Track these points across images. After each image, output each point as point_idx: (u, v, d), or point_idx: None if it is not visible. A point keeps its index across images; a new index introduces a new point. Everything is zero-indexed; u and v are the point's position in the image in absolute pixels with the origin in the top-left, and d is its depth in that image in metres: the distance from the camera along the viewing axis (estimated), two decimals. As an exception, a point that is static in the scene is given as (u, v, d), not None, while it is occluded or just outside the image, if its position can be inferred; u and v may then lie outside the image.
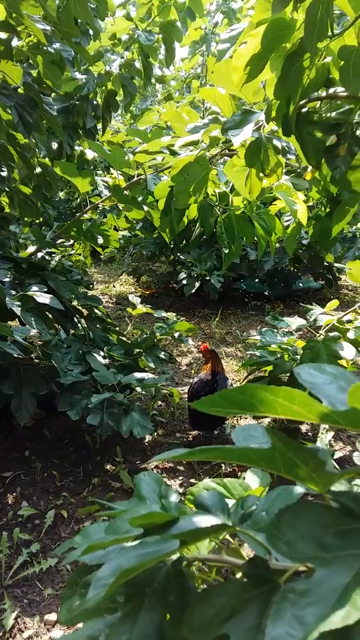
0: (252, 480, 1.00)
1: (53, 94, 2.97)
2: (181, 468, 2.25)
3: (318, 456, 0.52)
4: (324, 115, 1.40)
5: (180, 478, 2.18)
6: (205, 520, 0.59)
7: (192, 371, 3.37)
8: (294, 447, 0.52)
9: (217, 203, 2.02)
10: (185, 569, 0.63)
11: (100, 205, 2.57)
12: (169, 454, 0.56)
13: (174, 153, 1.98)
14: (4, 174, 2.37)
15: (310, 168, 1.53)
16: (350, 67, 1.21)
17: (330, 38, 1.22)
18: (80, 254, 3.55)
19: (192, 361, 3.57)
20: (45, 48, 2.19)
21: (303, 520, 0.50)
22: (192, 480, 2.14)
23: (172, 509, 0.73)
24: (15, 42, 2.34)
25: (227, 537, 0.74)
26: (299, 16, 1.21)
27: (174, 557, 0.62)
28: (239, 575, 0.62)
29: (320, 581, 0.44)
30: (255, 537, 0.61)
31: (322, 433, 2.00)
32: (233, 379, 3.21)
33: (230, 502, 0.93)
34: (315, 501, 0.63)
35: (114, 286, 5.55)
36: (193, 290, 4.53)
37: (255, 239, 2.10)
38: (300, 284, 5.07)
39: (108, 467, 2.24)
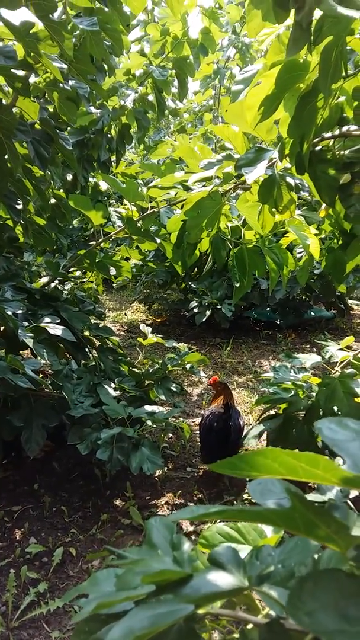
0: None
1: (69, 128, 3.04)
2: (192, 504, 2.21)
3: (339, 519, 0.50)
4: (337, 153, 1.40)
5: (191, 514, 2.13)
6: (220, 580, 0.57)
7: (203, 402, 3.34)
8: (315, 509, 0.50)
9: (229, 236, 2.03)
10: (197, 626, 0.60)
11: (113, 236, 2.59)
12: (184, 515, 0.54)
13: (187, 188, 2.00)
14: (20, 206, 2.40)
15: (324, 205, 1.53)
16: (364, 107, 1.22)
17: (344, 79, 1.23)
18: (92, 282, 3.56)
19: (203, 392, 3.54)
20: (61, 85, 2.24)
21: (326, 589, 0.48)
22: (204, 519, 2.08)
23: (185, 562, 0.70)
24: (32, 79, 2.41)
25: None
26: (313, 58, 1.23)
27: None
28: (250, 626, 0.60)
29: (345, 659, 0.42)
30: (273, 596, 0.58)
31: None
32: (245, 411, 3.17)
33: (245, 549, 0.90)
34: (338, 568, 0.60)
35: (125, 314, 5.57)
36: (204, 319, 4.52)
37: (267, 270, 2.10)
38: (312, 313, 5.04)
39: (117, 502, 2.20)
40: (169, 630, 0.58)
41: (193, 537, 1.95)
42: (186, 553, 0.74)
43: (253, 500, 0.65)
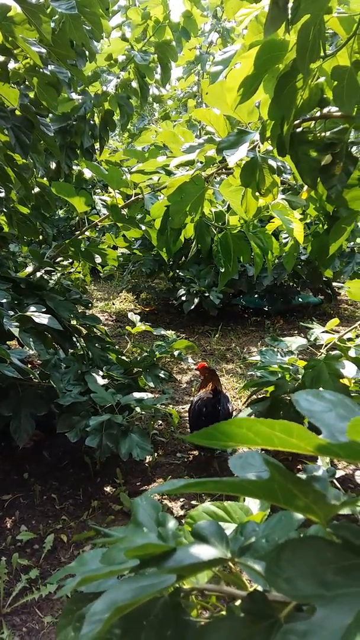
0: (253, 503, 0.98)
1: (50, 115, 3.00)
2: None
3: (318, 488, 0.51)
4: (318, 134, 1.40)
5: (181, 500, 2.15)
6: (202, 553, 0.57)
7: (192, 389, 3.35)
8: (293, 478, 0.51)
9: (213, 222, 2.03)
10: (183, 601, 0.61)
11: (98, 224, 2.58)
12: (164, 488, 0.54)
13: (169, 173, 1.99)
14: (2, 194, 2.38)
15: (306, 187, 1.53)
16: (344, 87, 1.22)
17: (323, 59, 1.23)
18: (79, 272, 3.55)
19: (192, 379, 3.55)
20: (41, 70, 2.22)
21: (303, 557, 0.49)
22: (194, 502, 2.11)
23: (169, 538, 0.71)
24: (12, 65, 2.37)
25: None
26: (291, 37, 1.22)
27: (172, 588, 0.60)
28: (238, 602, 0.60)
29: (322, 621, 0.43)
30: (255, 568, 0.59)
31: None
32: (233, 397, 3.19)
33: (231, 527, 0.91)
34: (315, 533, 0.61)
35: (113, 303, 5.55)
36: (192, 307, 4.53)
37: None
38: (300, 299, 5.07)
39: (108, 489, 2.21)
40: (154, 605, 0.59)
41: (183, 522, 1.97)
42: (171, 530, 0.74)
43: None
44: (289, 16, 1.10)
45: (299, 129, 1.44)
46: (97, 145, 3.36)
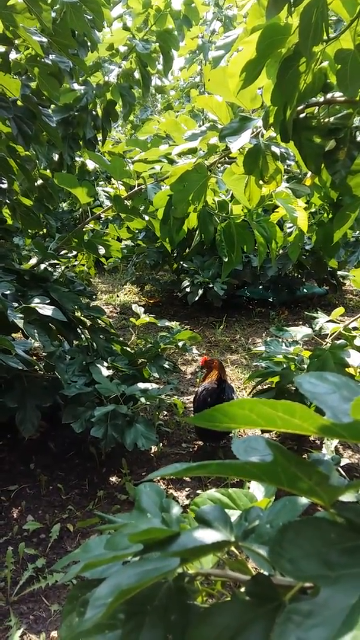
0: (258, 490, 0.97)
1: (52, 106, 2.99)
2: (187, 479, 2.23)
3: (321, 470, 0.50)
4: (322, 120, 1.39)
5: (186, 489, 2.16)
6: (206, 536, 0.57)
7: (197, 380, 3.35)
8: (296, 460, 0.50)
9: (216, 211, 2.01)
10: (188, 585, 0.61)
11: (102, 216, 2.57)
12: (167, 471, 0.54)
13: (172, 161, 1.97)
14: (4, 186, 2.37)
15: (309, 174, 1.52)
16: (348, 70, 1.21)
17: (326, 42, 1.21)
18: (84, 265, 3.54)
19: (196, 369, 3.55)
20: (42, 60, 2.20)
21: (307, 537, 0.48)
22: (199, 491, 2.11)
23: (173, 523, 0.71)
24: (13, 55, 2.36)
25: (233, 548, 0.72)
26: (294, 21, 1.21)
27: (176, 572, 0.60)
28: (244, 589, 0.60)
29: (325, 602, 0.42)
30: (259, 552, 0.59)
31: (327, 439, 1.98)
32: (238, 387, 3.19)
33: (235, 513, 0.91)
34: (320, 516, 0.61)
35: (117, 296, 5.55)
36: (196, 298, 4.52)
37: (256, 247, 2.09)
38: (305, 290, 5.05)
39: (114, 479, 2.22)
40: (158, 590, 0.59)
41: (188, 510, 1.98)
42: (175, 515, 0.74)
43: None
44: (291, -2, 1.09)
45: (302, 115, 1.42)
46: (99, 136, 3.34)
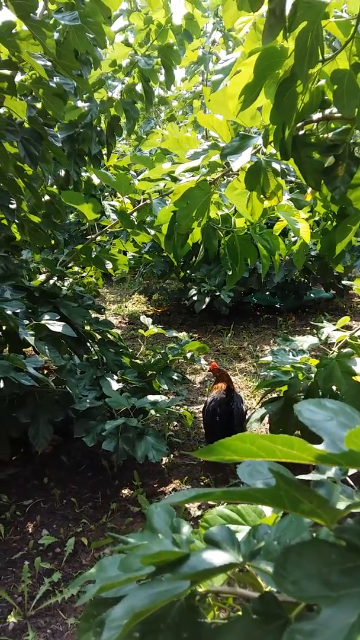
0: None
1: (58, 123, 3.04)
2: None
3: (321, 494, 0.53)
4: (320, 136, 1.42)
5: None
6: (215, 558, 0.59)
7: (206, 389, 3.37)
8: (297, 486, 0.53)
9: (220, 225, 2.04)
10: (199, 603, 0.63)
11: (108, 230, 2.61)
12: (176, 499, 0.57)
13: (175, 179, 2.01)
14: (13, 206, 2.42)
15: (310, 189, 1.54)
16: (344, 90, 1.24)
17: (322, 63, 1.24)
18: (92, 276, 3.59)
19: (205, 379, 3.57)
20: (47, 82, 2.25)
21: (309, 559, 0.51)
22: (211, 503, 2.13)
23: (183, 544, 0.73)
24: (18, 77, 2.41)
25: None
26: (290, 44, 1.24)
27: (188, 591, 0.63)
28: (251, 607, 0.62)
29: (327, 621, 0.45)
30: (267, 570, 0.61)
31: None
32: (247, 396, 3.21)
33: (244, 529, 0.94)
34: (321, 538, 0.63)
35: (126, 306, 5.59)
36: (204, 306, 4.55)
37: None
38: (312, 295, 5.05)
39: (126, 491, 2.24)
40: (170, 608, 0.62)
41: (199, 521, 2.00)
42: (185, 535, 0.77)
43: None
44: (286, 24, 1.12)
45: (301, 132, 1.45)
46: (104, 151, 3.40)
